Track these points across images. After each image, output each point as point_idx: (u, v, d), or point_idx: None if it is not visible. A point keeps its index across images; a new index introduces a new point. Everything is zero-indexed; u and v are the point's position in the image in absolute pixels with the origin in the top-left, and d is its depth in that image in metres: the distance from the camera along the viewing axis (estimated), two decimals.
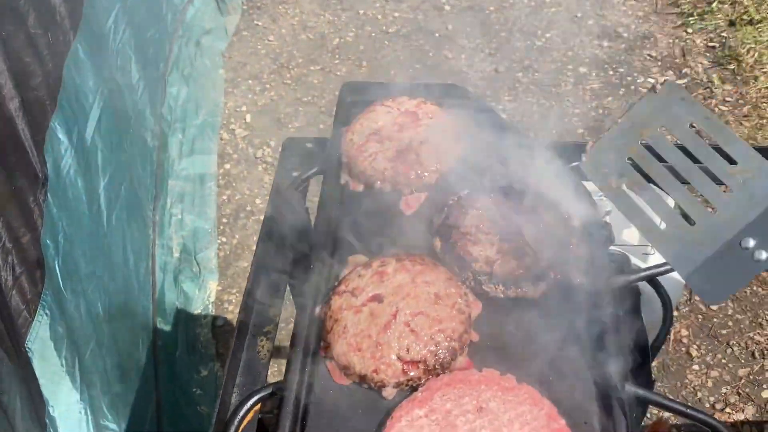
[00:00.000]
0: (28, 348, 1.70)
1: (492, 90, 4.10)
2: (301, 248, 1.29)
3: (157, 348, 2.55)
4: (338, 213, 1.32)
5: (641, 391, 1.03)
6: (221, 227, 3.55)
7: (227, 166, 3.90)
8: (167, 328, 2.72)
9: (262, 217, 1.37)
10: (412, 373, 1.09)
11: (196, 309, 3.04)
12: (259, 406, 1.04)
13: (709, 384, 2.71)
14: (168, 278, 2.94)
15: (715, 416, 1.90)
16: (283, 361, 1.12)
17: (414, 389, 1.07)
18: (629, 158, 1.03)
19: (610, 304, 1.10)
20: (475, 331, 1.17)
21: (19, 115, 1.89)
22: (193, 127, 3.75)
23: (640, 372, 1.15)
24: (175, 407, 2.49)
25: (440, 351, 1.11)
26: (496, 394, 1.01)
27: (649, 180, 1.01)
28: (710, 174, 0.98)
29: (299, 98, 4.22)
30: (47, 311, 1.78)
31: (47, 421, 1.64)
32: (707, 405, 2.66)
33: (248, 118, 4.14)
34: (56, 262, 1.90)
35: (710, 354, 2.78)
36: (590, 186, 1.23)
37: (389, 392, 1.08)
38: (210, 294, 3.14)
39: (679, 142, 1.02)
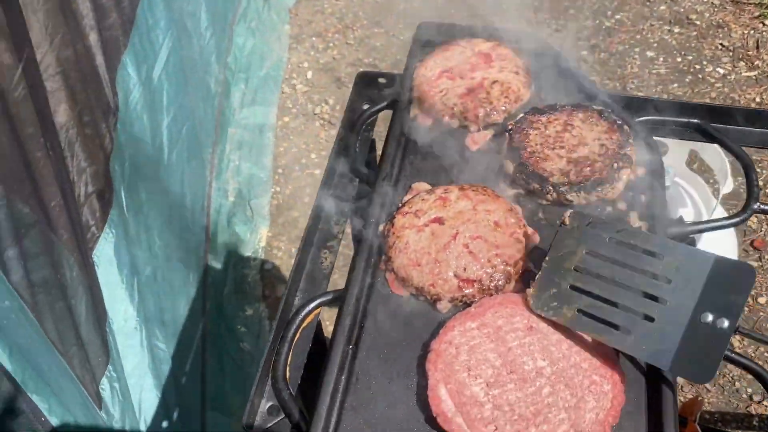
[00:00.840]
0: (95, 260, 1.82)
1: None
2: (367, 174, 1.35)
3: (207, 283, 2.66)
4: (405, 143, 1.37)
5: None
6: (276, 177, 3.64)
7: (286, 119, 3.97)
8: (218, 266, 2.83)
9: (316, 171, 1.42)
10: (467, 291, 1.14)
11: (247, 252, 3.14)
12: (319, 310, 1.11)
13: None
14: (222, 220, 3.05)
15: None
16: (343, 277, 1.18)
17: (467, 305, 1.12)
18: (570, 286, 1.09)
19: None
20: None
21: (97, 49, 1.98)
22: (256, 79, 3.83)
23: None
24: (219, 340, 2.60)
25: (496, 273, 1.16)
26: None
27: (597, 297, 1.08)
28: (647, 273, 1.08)
29: (360, 59, 4.25)
30: (113, 230, 1.88)
31: (107, 330, 1.75)
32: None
33: (309, 74, 4.20)
34: (122, 187, 2.00)
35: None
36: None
37: (444, 306, 1.13)
38: (261, 239, 3.24)
39: (606, 256, 1.11)
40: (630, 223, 1.25)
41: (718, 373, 2.81)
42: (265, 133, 3.68)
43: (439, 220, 1.23)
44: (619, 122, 1.37)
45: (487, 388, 0.98)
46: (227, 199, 3.20)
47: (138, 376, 1.85)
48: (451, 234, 1.21)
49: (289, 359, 1.06)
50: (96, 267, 1.82)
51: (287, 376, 1.05)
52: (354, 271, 1.12)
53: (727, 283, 1.03)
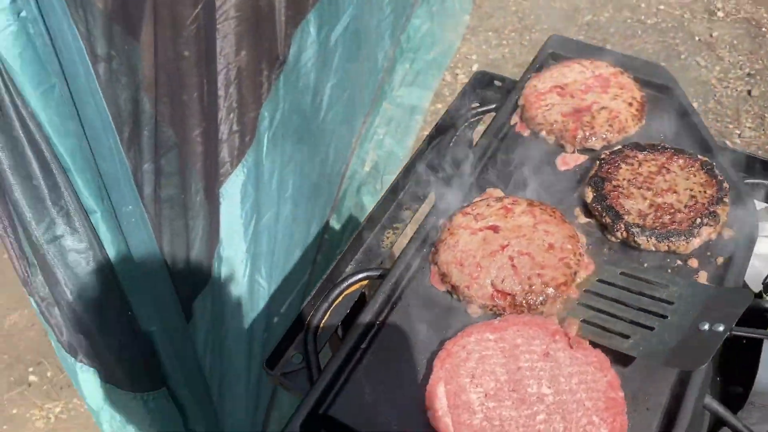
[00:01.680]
0: (222, 192, 2.00)
1: (734, 111, 3.76)
2: (450, 169, 1.38)
3: (323, 240, 2.81)
4: (496, 148, 1.39)
5: (722, 411, 0.99)
6: None
7: (439, 105, 4.03)
8: (336, 227, 2.98)
9: None
10: (498, 301, 1.16)
11: None
12: (366, 282, 1.17)
13: None
14: (352, 186, 3.19)
15: None
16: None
17: (496, 316, 1.13)
18: (578, 303, 1.19)
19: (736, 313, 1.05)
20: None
21: (281, 3, 2.14)
22: (421, 61, 3.92)
23: (735, 393, 1.11)
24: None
25: (531, 293, 1.16)
26: (566, 347, 1.04)
27: (601, 311, 1.17)
28: (651, 296, 1.17)
29: (529, 62, 4.20)
30: (245, 170, 2.05)
31: (215, 255, 1.93)
32: None
33: (475, 67, 4.22)
34: (266, 134, 2.17)
35: None
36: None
37: (474, 310, 1.15)
38: None
39: (615, 284, 1.20)
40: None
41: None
42: (415, 115, 3.77)
43: (495, 228, 1.25)
44: (720, 178, 1.28)
45: (484, 398, 0.99)
46: (363, 169, 3.33)
47: (233, 303, 2.02)
48: (501, 244, 1.23)
49: (326, 318, 1.13)
50: (221, 198, 2.00)
51: (318, 332, 1.12)
52: (403, 254, 1.17)
53: (725, 302, 1.10)
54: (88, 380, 1.45)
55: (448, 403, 1.00)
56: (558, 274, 1.18)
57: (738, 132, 3.69)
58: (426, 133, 3.86)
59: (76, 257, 1.31)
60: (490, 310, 1.16)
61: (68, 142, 1.26)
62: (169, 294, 1.64)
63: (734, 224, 1.24)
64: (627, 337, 1.09)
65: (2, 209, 1.28)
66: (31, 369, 3.00)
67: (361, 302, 1.21)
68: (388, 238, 1.30)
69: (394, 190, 1.35)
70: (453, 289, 1.19)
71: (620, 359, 1.08)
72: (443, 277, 1.20)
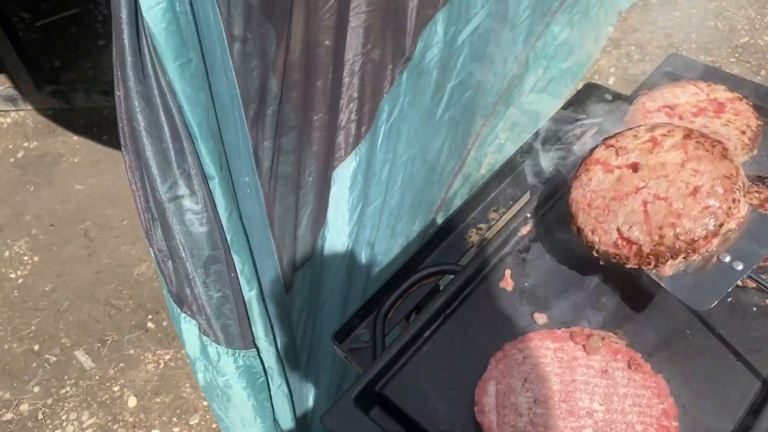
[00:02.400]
0: (334, 177, 2.09)
1: None
2: (545, 187, 1.37)
3: (426, 234, 2.86)
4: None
5: None
6: None
7: None
8: None
9: None
10: (623, 250, 1.06)
11: None
12: (441, 277, 1.20)
13: None
14: (465, 187, 3.21)
15: None
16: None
17: (622, 266, 1.05)
18: None
19: None
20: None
21: (414, 2, 2.20)
22: (555, 69, 3.85)
23: None
24: None
25: (660, 245, 1.03)
26: (626, 367, 1.01)
27: None
28: None
29: None
30: (357, 158, 2.13)
31: (320, 235, 2.03)
32: None
33: (612, 80, 4.08)
34: (384, 126, 2.24)
35: None
36: None
37: (598, 255, 1.05)
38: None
39: None
40: None
41: None
42: (541, 122, 3.69)
43: (635, 167, 1.10)
44: None
45: (533, 403, 1.00)
46: (478, 171, 3.33)
47: (330, 283, 2.11)
48: (636, 186, 1.07)
49: (398, 303, 1.17)
50: (333, 182, 2.10)
51: (389, 316, 1.17)
52: (481, 252, 1.19)
53: (757, 235, 1.03)
54: (189, 330, 1.59)
55: (497, 401, 1.01)
56: (696, 225, 1.03)
57: None
58: None
59: (191, 217, 1.44)
60: (614, 258, 1.06)
61: (198, 111, 1.39)
62: (272, 263, 1.75)
63: None
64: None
65: (136, 167, 1.44)
66: (150, 316, 3.30)
67: (434, 294, 1.24)
68: (471, 237, 1.32)
69: (485, 190, 1.37)
70: (578, 232, 1.10)
71: (683, 390, 1.03)
72: (571, 218, 1.11)
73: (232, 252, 1.53)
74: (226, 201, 1.49)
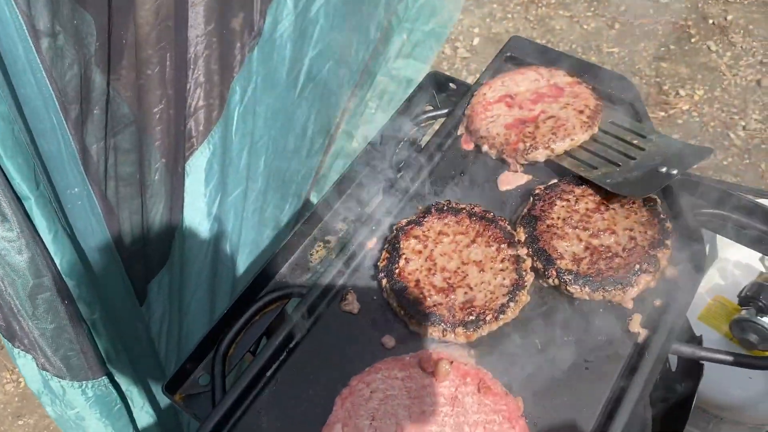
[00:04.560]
0: (187, 169, 1.94)
1: (741, 101, 3.63)
2: (391, 180, 1.31)
3: (302, 217, 2.76)
4: (440, 159, 1.31)
5: None
6: None
7: None
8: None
9: None
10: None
11: None
12: (287, 300, 1.12)
13: None
14: (338, 162, 3.12)
15: None
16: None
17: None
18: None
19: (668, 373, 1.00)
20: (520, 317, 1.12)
21: None
22: (419, 32, 3.79)
23: None
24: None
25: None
26: (475, 391, 0.99)
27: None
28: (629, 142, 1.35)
29: (534, 38, 4.06)
30: (211, 146, 1.99)
31: (176, 234, 1.88)
32: None
33: (476, 41, 4.09)
34: (237, 109, 2.10)
35: None
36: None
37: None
38: None
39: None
40: (629, 327, 1.11)
41: None
42: (410, 89, 3.64)
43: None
44: (663, 217, 1.18)
45: None
46: (351, 144, 3.25)
47: (193, 284, 1.98)
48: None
49: (239, 338, 1.08)
50: (186, 176, 1.95)
51: (230, 352, 1.07)
52: (324, 275, 1.11)
53: (686, 154, 1.28)
54: (26, 365, 1.43)
55: None
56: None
57: (743, 123, 3.57)
58: None
59: (5, 245, 1.26)
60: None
61: None
62: (117, 278, 1.59)
63: (679, 263, 1.16)
64: (595, 168, 1.27)
65: None
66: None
67: (281, 321, 1.16)
68: (317, 252, 1.24)
69: (330, 197, 1.28)
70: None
71: (535, 407, 1.01)
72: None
73: (63, 276, 1.37)
74: (47, 221, 1.32)
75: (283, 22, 2.22)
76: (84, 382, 1.47)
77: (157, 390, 1.80)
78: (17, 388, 2.81)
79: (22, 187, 1.26)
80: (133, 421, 1.68)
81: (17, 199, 1.26)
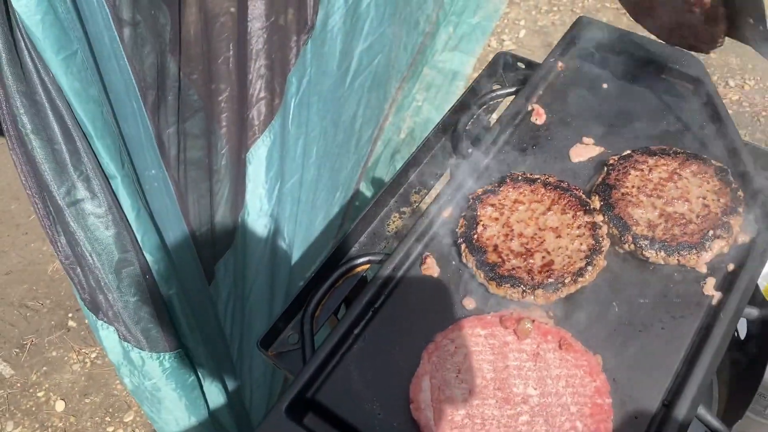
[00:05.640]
0: (248, 158, 2.01)
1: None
2: (463, 154, 1.35)
3: (352, 206, 2.82)
4: (510, 134, 1.35)
5: (715, 423, 0.97)
6: None
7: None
8: (367, 194, 2.98)
9: None
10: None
11: None
12: (368, 266, 1.17)
13: None
14: (386, 153, 3.17)
15: None
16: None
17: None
18: None
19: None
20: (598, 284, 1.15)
21: None
22: (465, 25, 3.82)
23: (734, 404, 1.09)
24: None
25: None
26: (556, 348, 1.02)
27: None
28: None
29: None
30: (271, 135, 2.06)
31: (239, 219, 1.96)
32: None
33: (522, 33, 4.10)
34: (293, 100, 2.17)
35: None
36: None
37: None
38: None
39: None
40: (703, 291, 1.14)
41: None
42: (456, 82, 3.69)
43: None
44: (735, 186, 1.21)
45: (468, 395, 0.99)
46: (398, 136, 3.30)
47: (255, 267, 2.05)
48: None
49: (324, 300, 1.14)
50: (248, 163, 2.02)
51: (317, 314, 1.13)
52: (404, 241, 1.16)
53: None
54: (108, 337, 1.51)
55: (432, 396, 1.00)
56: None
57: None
58: None
59: (95, 221, 1.34)
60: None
61: (89, 107, 1.29)
62: (190, 257, 1.67)
63: (749, 229, 1.18)
64: None
65: (28, 171, 1.32)
66: (70, 315, 3.14)
67: (362, 286, 1.21)
68: (393, 222, 1.30)
69: (405, 172, 1.33)
70: None
71: (614, 364, 1.06)
72: None
73: (144, 252, 1.45)
74: (131, 200, 1.40)
75: (334, 16, 2.28)
76: (162, 353, 1.55)
77: (225, 368, 1.88)
78: (83, 369, 2.94)
79: (110, 166, 1.34)
80: (203, 394, 1.76)
81: (105, 178, 1.34)
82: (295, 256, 2.29)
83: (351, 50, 2.46)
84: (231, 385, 1.93)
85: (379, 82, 2.81)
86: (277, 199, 2.12)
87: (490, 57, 4.07)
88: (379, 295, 1.10)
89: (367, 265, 1.17)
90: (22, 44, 1.20)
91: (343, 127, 2.62)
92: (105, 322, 1.49)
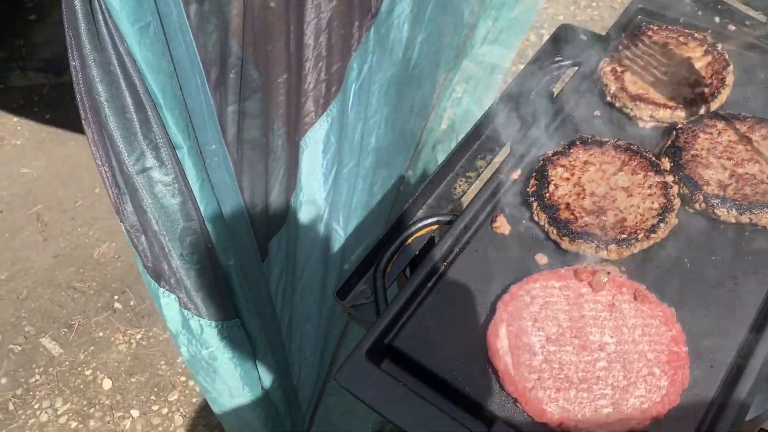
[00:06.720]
0: (305, 140, 2.04)
1: None
2: (529, 121, 1.37)
3: (399, 193, 2.85)
4: (576, 102, 1.36)
5: None
6: None
7: (521, 66, 3.94)
8: (412, 182, 3.00)
9: None
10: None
11: None
12: (436, 227, 1.20)
13: None
14: (429, 142, 3.19)
15: None
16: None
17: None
18: None
19: None
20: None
21: None
22: (504, 19, 3.82)
23: None
24: None
25: None
26: (631, 299, 1.03)
27: None
28: None
29: None
30: (329, 119, 2.08)
31: (292, 200, 1.99)
32: None
33: None
34: (354, 86, 2.19)
35: None
36: None
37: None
38: None
39: None
40: None
41: None
42: (496, 75, 3.69)
43: None
44: None
45: (545, 342, 1.01)
46: (439, 127, 3.32)
47: (307, 248, 2.08)
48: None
49: (395, 258, 1.16)
50: (304, 145, 2.05)
51: (387, 270, 1.16)
52: (476, 199, 1.18)
53: None
54: (169, 305, 1.55)
55: (509, 343, 1.02)
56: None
57: None
58: None
59: (162, 189, 1.38)
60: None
61: (160, 78, 1.32)
62: (246, 232, 1.71)
63: None
64: None
65: (99, 140, 1.37)
66: (116, 297, 3.21)
67: (429, 246, 1.23)
68: (460, 186, 1.32)
69: (470, 138, 1.36)
70: None
71: (687, 317, 1.07)
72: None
73: (206, 222, 1.49)
74: (196, 170, 1.44)
75: (402, 4, 2.29)
76: (220, 322, 1.58)
77: (275, 344, 1.91)
78: (129, 349, 3.01)
79: (177, 136, 1.38)
80: (256, 366, 1.79)
81: (172, 148, 1.38)
82: (348, 240, 2.31)
83: (414, 39, 2.48)
84: (281, 362, 1.96)
85: (431, 72, 2.83)
86: (333, 183, 2.15)
87: (529, 51, 4.08)
88: (451, 250, 1.13)
89: (436, 226, 1.20)
90: (99, 15, 1.24)
91: (403, 115, 2.64)
92: (166, 290, 1.53)
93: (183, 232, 1.44)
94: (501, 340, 1.01)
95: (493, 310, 1.06)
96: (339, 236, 2.27)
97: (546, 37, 4.09)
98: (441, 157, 3.38)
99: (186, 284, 1.51)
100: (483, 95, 3.63)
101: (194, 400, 2.82)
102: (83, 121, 1.37)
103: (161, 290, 1.53)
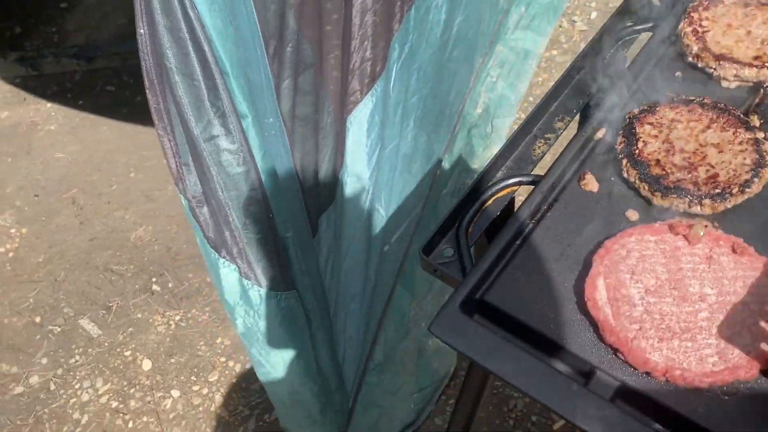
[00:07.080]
0: (350, 119, 2.05)
1: None
2: (606, 83, 1.36)
3: (436, 177, 2.84)
4: (655, 63, 1.35)
5: None
6: (524, 105, 3.67)
7: (554, 52, 3.92)
8: (447, 165, 3.00)
9: None
10: None
11: (474, 164, 3.27)
12: (517, 188, 1.20)
13: None
14: (465, 127, 3.18)
15: None
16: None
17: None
18: None
19: None
20: None
21: None
22: (537, 5, 3.80)
23: None
24: (425, 230, 2.79)
25: None
26: (730, 252, 1.03)
27: None
28: None
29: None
30: (373, 99, 2.09)
31: (339, 178, 2.00)
32: None
33: (594, 15, 4.06)
34: (396, 66, 2.19)
35: None
36: None
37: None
38: (490, 156, 3.33)
39: None
40: None
41: None
42: (529, 60, 3.67)
43: None
44: None
45: (644, 293, 1.00)
46: (475, 111, 3.31)
47: (353, 226, 2.09)
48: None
49: (476, 218, 1.16)
50: (350, 125, 2.06)
51: (469, 230, 1.16)
52: (561, 158, 1.18)
53: None
54: (228, 275, 1.56)
55: (608, 295, 1.02)
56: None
57: None
58: (540, 79, 3.78)
59: (228, 157, 1.39)
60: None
61: (228, 46, 1.33)
62: (300, 206, 1.72)
63: None
64: None
65: (164, 108, 1.38)
66: (154, 279, 3.24)
67: (510, 208, 1.23)
68: (539, 147, 1.32)
69: (549, 99, 1.35)
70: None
71: None
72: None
73: (267, 193, 1.50)
74: (259, 140, 1.45)
75: None
76: (279, 293, 1.59)
77: (325, 319, 1.92)
78: (168, 330, 3.03)
79: (243, 105, 1.38)
80: (311, 339, 1.80)
81: (238, 117, 1.39)
82: (389, 221, 2.32)
83: (452, 20, 2.47)
84: (330, 338, 1.97)
85: (468, 55, 2.82)
86: (377, 163, 2.15)
87: (562, 38, 4.05)
88: (539, 207, 1.13)
89: (517, 187, 1.20)
90: None
91: (441, 97, 2.64)
92: (227, 260, 1.54)
93: (246, 202, 1.45)
94: (599, 291, 1.01)
95: (586, 265, 1.06)
96: (381, 216, 2.28)
97: (579, 24, 4.08)
98: (476, 143, 3.38)
99: (247, 254, 1.52)
100: (517, 81, 3.61)
101: (234, 380, 2.84)
102: (147, 91, 1.37)
103: (221, 260, 1.55)
